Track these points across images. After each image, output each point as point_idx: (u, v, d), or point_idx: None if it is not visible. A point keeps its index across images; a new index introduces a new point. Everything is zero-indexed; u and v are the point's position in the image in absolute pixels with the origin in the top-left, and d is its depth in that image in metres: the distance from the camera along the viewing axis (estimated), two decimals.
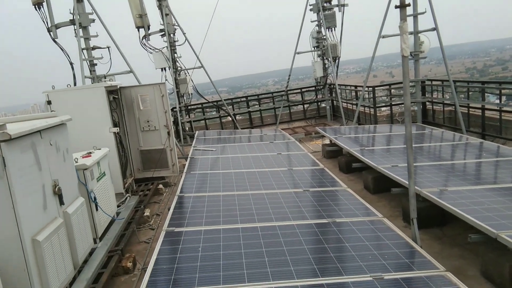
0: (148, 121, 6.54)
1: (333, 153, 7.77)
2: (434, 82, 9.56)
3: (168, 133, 6.58)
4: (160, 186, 6.59)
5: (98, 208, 4.31)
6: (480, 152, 5.86)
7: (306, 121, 12.51)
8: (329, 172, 5.35)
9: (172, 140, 6.62)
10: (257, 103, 12.46)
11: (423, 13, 8.35)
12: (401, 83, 6.50)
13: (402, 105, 9.76)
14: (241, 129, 11.27)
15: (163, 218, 5.25)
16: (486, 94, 7.96)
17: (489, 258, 3.29)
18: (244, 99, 12.61)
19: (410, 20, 8.65)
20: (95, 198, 4.23)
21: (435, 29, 8.43)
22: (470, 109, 8.29)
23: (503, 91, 7.55)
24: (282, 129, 11.03)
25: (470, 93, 8.33)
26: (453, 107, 8.54)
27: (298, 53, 11.31)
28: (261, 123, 12.53)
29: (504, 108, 7.45)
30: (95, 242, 4.23)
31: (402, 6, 3.44)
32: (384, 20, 8.64)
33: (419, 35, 8.65)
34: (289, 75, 11.67)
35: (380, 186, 5.50)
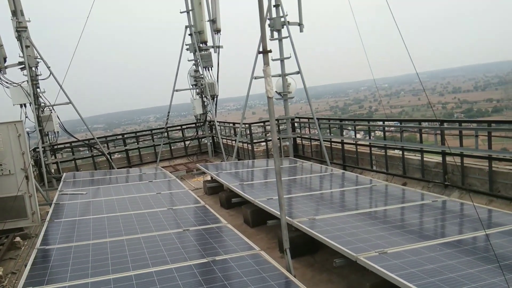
0: (0, 165, 5.79)
1: (214, 189, 7.74)
2: (302, 120, 10.32)
3: (27, 177, 5.89)
4: (17, 239, 5.90)
5: None
6: (342, 181, 6.49)
7: (187, 158, 12.49)
8: (210, 209, 5.36)
9: (32, 184, 6.08)
10: (135, 140, 11.91)
11: (288, 57, 9.06)
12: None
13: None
14: (118, 168, 10.77)
15: (20, 276, 4.59)
16: (345, 130, 9.00)
17: (352, 279, 3.53)
18: (121, 136, 11.97)
19: (278, 64, 9.25)
20: None
21: (299, 72, 8.85)
22: (332, 143, 9.11)
23: (357, 127, 8.71)
24: (162, 167, 10.85)
25: (332, 129, 9.22)
26: (319, 141, 9.20)
27: (177, 90, 11.45)
28: (140, 161, 11.89)
29: (359, 142, 8.40)
30: None
31: (264, 52, 3.74)
32: (255, 63, 9.09)
33: (287, 77, 9.31)
34: (169, 112, 11.75)
35: (258, 219, 5.65)
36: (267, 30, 8.88)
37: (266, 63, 3.72)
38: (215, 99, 12.02)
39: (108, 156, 10.97)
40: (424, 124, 6.88)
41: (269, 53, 3.79)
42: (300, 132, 10.42)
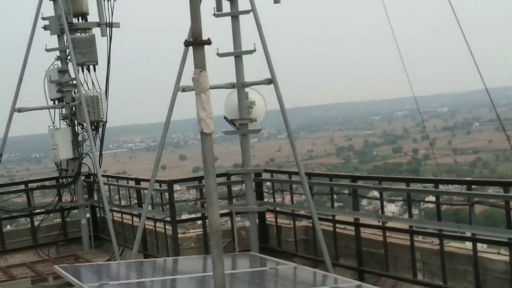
0: None
1: None
2: (278, 176, 11.66)
3: None
4: None
5: None
6: None
7: (38, 252, 13.01)
8: None
9: None
10: None
11: (251, 51, 9.82)
12: None
13: None
14: None
15: None
16: (363, 198, 9.90)
17: None
18: None
19: (229, 64, 9.76)
20: None
21: (271, 81, 9.66)
22: (338, 224, 10.03)
23: (386, 192, 9.67)
24: None
25: (338, 195, 10.32)
26: (310, 220, 10.01)
27: (19, 110, 12.29)
28: None
29: (391, 223, 9.21)
30: None
31: (195, 43, 3.95)
32: (183, 63, 9.17)
33: (247, 90, 10.06)
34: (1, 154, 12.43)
35: None
36: None
37: (199, 64, 4.36)
38: (100, 128, 12.60)
39: None
40: None
41: (207, 45, 4.48)
42: (274, 200, 11.22)
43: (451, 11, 5.24)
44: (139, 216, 11.11)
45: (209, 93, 3.83)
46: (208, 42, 4.06)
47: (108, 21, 12.23)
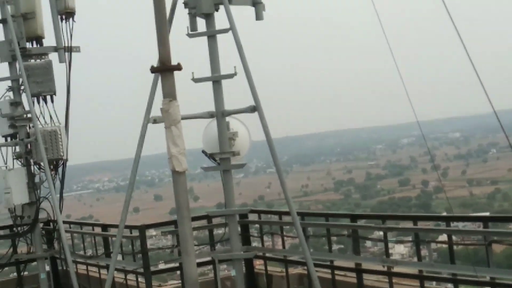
0: None
1: None
2: (266, 217, 11.18)
3: None
4: None
5: None
6: None
7: None
8: None
9: None
10: None
11: (230, 76, 9.62)
12: None
13: None
14: None
15: None
16: (365, 240, 9.01)
17: None
18: None
19: (206, 90, 9.65)
20: None
21: (255, 109, 9.39)
22: (337, 271, 9.96)
23: (391, 233, 9.69)
24: None
25: (337, 237, 10.17)
26: (305, 268, 9.02)
27: None
28: None
29: (397, 268, 8.92)
30: None
31: (164, 70, 4.14)
32: (153, 93, 8.93)
33: (228, 119, 9.88)
34: None
35: None
36: (180, 13, 9.46)
37: (168, 93, 4.49)
38: (59, 168, 12.42)
39: None
40: None
41: (176, 71, 4.64)
42: (263, 245, 11.24)
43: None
44: (107, 267, 10.91)
45: (181, 125, 3.84)
46: (178, 67, 4.10)
47: (66, 44, 12.17)
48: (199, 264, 11.24)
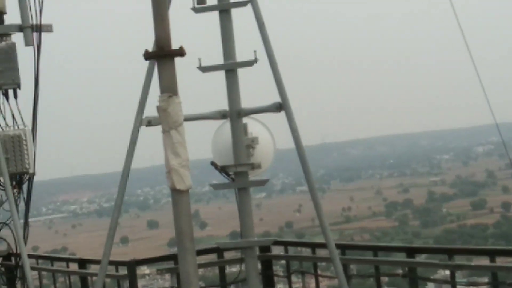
0: None
1: None
2: (293, 251, 11.32)
3: None
4: None
5: None
6: None
7: None
8: None
9: None
10: None
11: (250, 63, 9.59)
12: None
13: None
14: None
15: None
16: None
17: None
18: None
19: (217, 82, 9.69)
20: None
21: (281, 107, 9.40)
22: None
23: (460, 271, 8.80)
24: None
25: (388, 278, 9.40)
26: None
27: None
28: None
29: None
30: None
31: (159, 55, 4.25)
32: (148, 81, 8.94)
33: (246, 122, 9.94)
34: None
35: None
36: None
37: (167, 87, 4.54)
38: (24, 184, 12.27)
39: None
40: None
41: (178, 57, 4.72)
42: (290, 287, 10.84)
43: None
44: None
45: (184, 129, 3.82)
46: (180, 52, 4.07)
47: (35, 22, 12.29)
48: None
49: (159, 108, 4.45)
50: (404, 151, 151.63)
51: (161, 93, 4.35)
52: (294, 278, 11.22)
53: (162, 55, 4.33)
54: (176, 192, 3.99)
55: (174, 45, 4.61)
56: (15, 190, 11.99)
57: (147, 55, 4.55)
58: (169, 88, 4.28)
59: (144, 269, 12.07)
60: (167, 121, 4.14)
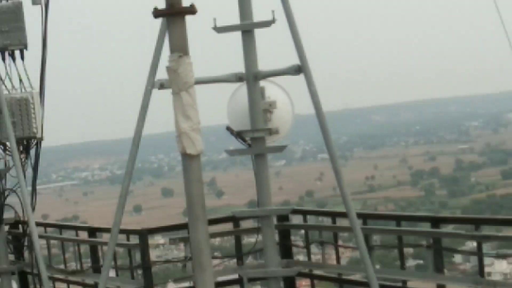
0: None
1: None
2: (313, 219, 10.97)
3: None
4: None
5: None
6: None
7: None
8: None
9: None
10: None
11: (269, 23, 9.70)
12: None
13: None
14: None
15: None
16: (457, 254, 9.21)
17: None
18: None
19: (232, 42, 9.67)
20: None
21: (300, 70, 9.36)
22: None
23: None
24: None
25: (414, 250, 9.37)
26: None
27: None
28: None
29: None
30: None
31: (169, 13, 3.42)
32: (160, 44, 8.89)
33: (264, 84, 10.13)
34: None
35: None
36: None
37: (177, 46, 4.66)
38: (32, 150, 12.43)
39: None
40: None
41: (190, 15, 4.81)
42: (309, 259, 11.12)
43: None
44: (95, 286, 11.04)
45: (194, 90, 3.79)
46: (192, 10, 4.05)
47: None
48: (223, 284, 11.32)
49: (168, 69, 4.55)
50: (431, 117, 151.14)
51: (171, 53, 4.34)
52: (313, 249, 11.21)
53: (172, 12, 4.35)
54: (186, 157, 3.99)
55: (185, 3, 4.63)
56: (22, 156, 12.04)
57: (156, 13, 4.56)
58: (179, 48, 4.30)
59: (158, 239, 12.06)
60: (177, 82, 4.16)
